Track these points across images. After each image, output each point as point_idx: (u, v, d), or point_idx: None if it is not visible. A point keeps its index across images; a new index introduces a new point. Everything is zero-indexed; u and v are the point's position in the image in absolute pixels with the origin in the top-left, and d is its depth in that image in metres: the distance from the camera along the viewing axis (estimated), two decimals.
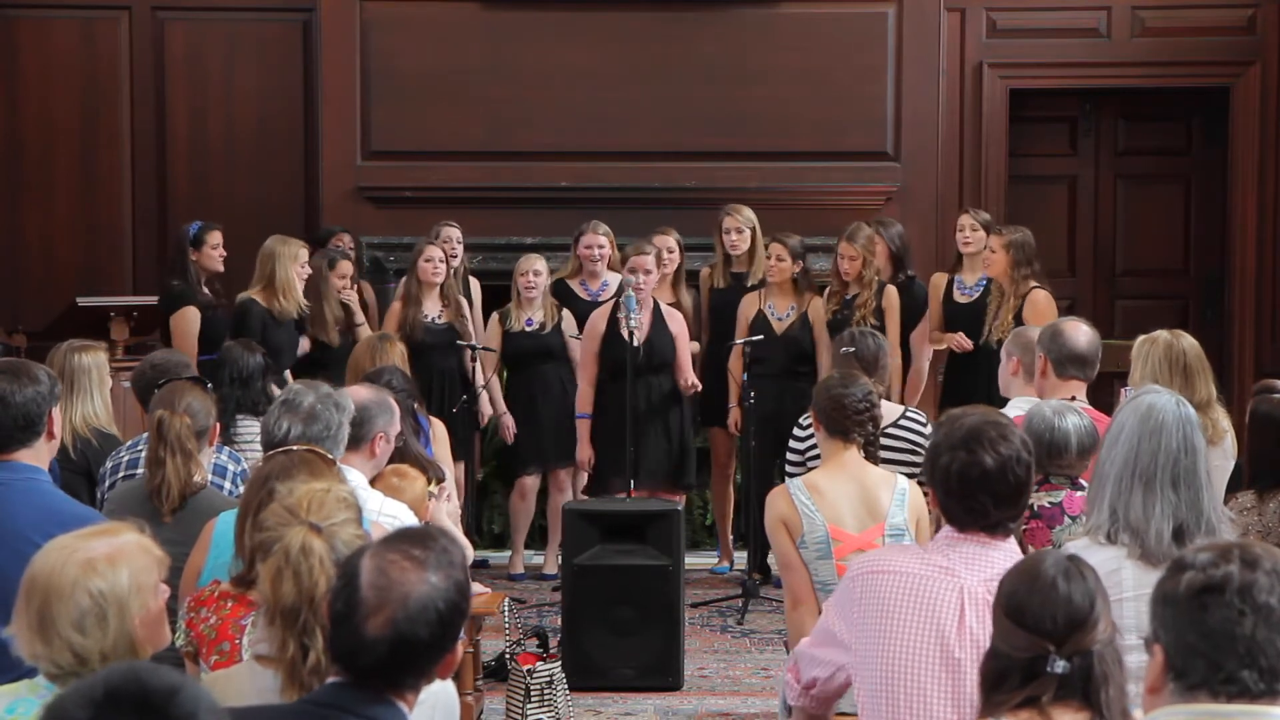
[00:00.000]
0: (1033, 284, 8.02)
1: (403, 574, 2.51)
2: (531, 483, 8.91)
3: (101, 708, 1.95)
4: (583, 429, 8.40)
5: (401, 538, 2.59)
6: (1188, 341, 5.82)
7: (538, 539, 9.22)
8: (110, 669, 2.01)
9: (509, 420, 8.77)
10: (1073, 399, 5.35)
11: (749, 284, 8.81)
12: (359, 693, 2.51)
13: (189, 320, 8.29)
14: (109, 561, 2.75)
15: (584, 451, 8.38)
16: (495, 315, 8.88)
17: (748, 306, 8.67)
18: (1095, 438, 4.59)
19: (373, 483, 4.98)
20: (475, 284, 9.25)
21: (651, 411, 8.35)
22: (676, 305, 8.74)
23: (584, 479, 8.61)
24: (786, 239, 8.61)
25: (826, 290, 8.68)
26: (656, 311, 8.39)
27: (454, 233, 9.03)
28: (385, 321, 8.68)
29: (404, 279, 8.87)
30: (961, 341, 8.42)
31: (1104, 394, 6.57)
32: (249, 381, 6.66)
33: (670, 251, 8.77)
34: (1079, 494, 4.59)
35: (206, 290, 8.43)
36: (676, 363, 8.41)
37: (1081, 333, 5.60)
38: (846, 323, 8.22)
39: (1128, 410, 3.81)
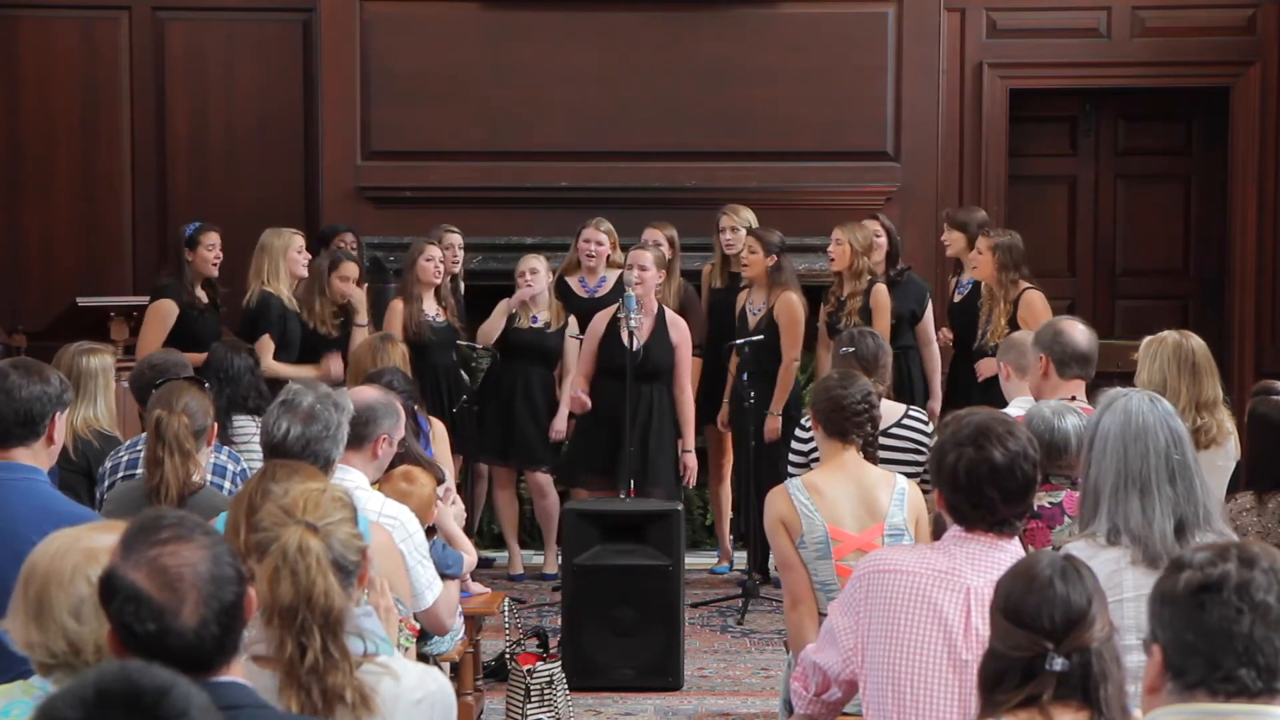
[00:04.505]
0: (1024, 285, 7.99)
1: (176, 558, 2.45)
2: (506, 473, 8.89)
3: (92, 707, 1.94)
4: (574, 403, 8.28)
5: (137, 533, 2.50)
6: (1196, 342, 5.84)
7: (538, 539, 9.23)
8: (102, 668, 2.00)
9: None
10: (1073, 399, 5.35)
11: (743, 284, 8.82)
12: (212, 686, 2.41)
13: (161, 311, 8.23)
14: (111, 553, 2.75)
15: (561, 421, 8.45)
16: (502, 304, 8.83)
17: (737, 304, 8.70)
18: None
19: (380, 485, 4.98)
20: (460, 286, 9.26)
21: (637, 417, 8.22)
22: (662, 301, 8.70)
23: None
24: (763, 233, 8.59)
25: (830, 290, 8.71)
26: (660, 318, 8.32)
27: (455, 238, 9.01)
28: (388, 320, 8.60)
29: (403, 278, 8.86)
30: (944, 335, 8.69)
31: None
32: (237, 380, 6.66)
33: (658, 245, 8.75)
34: (1079, 493, 4.59)
35: (203, 292, 8.39)
36: (675, 372, 8.30)
37: (1080, 331, 5.61)
38: (838, 322, 8.26)
39: (1106, 420, 3.80)
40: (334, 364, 8.25)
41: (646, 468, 8.14)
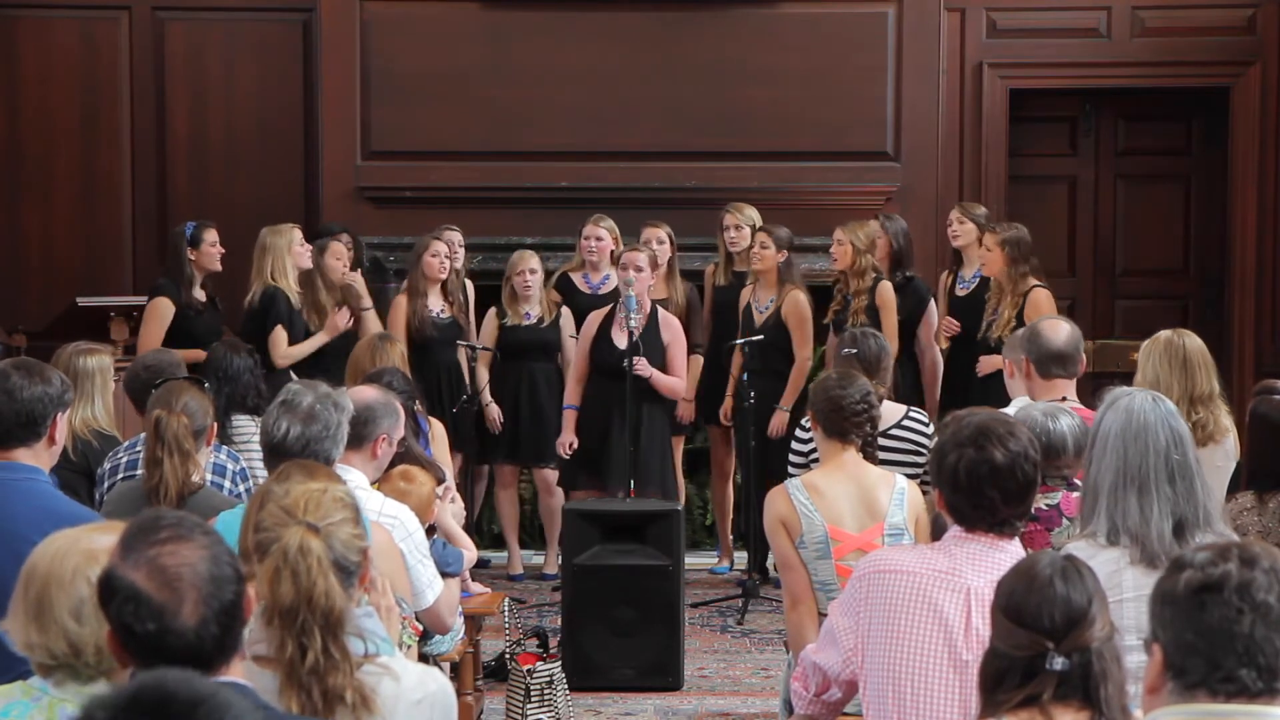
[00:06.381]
0: (1033, 282, 8.00)
1: (175, 557, 2.45)
2: (509, 472, 8.88)
3: (121, 712, 1.95)
4: (568, 418, 8.33)
5: (136, 534, 2.50)
6: (1190, 338, 5.88)
7: (538, 539, 9.23)
8: (143, 677, 2.01)
9: (495, 410, 8.76)
10: (1063, 400, 5.33)
11: (749, 282, 8.83)
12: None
13: (158, 310, 8.26)
14: (111, 554, 2.75)
15: (566, 436, 8.30)
16: (491, 312, 8.86)
17: (740, 301, 8.69)
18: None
19: (380, 484, 4.98)
20: (470, 286, 9.26)
21: (621, 414, 8.19)
22: (668, 300, 8.70)
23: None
24: (773, 229, 8.62)
25: (836, 288, 8.71)
26: (653, 316, 8.30)
27: (455, 236, 9.03)
28: (391, 316, 8.65)
29: (407, 275, 8.88)
30: (949, 324, 8.54)
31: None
32: (236, 379, 6.67)
33: (660, 243, 8.77)
34: (1075, 494, 4.59)
35: (201, 291, 8.40)
36: (668, 370, 8.24)
37: (1060, 330, 5.56)
38: (844, 321, 8.25)
39: (1108, 419, 3.81)
40: (340, 318, 8.29)
41: (637, 468, 8.12)
